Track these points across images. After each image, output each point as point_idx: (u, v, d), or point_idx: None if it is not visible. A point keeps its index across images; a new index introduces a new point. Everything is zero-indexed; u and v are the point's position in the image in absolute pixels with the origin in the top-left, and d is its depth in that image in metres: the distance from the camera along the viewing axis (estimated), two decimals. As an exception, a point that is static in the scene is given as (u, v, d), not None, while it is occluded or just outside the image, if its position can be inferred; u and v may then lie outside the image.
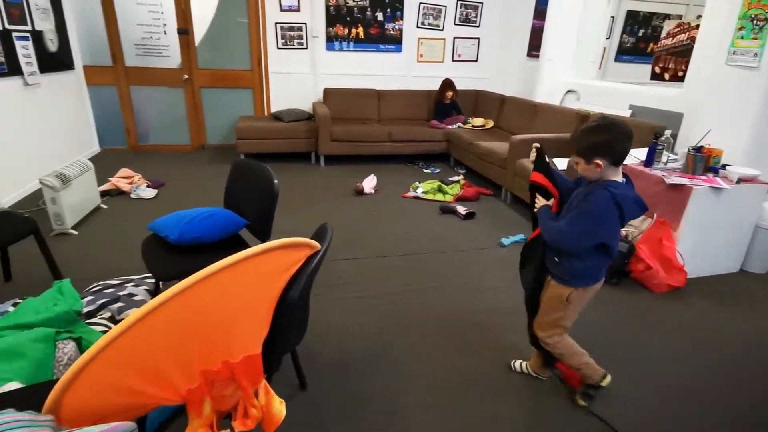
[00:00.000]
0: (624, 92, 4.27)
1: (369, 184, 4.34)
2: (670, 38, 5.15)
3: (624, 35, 6.61)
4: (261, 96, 5.68)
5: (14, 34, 3.66)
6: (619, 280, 2.77)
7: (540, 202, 1.69)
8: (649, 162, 2.91)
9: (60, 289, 1.98)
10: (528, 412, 1.80)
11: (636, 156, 3.02)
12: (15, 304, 2.06)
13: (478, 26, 6.01)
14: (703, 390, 1.94)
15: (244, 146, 5.01)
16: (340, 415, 1.70)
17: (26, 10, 3.86)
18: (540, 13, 5.27)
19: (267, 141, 5.06)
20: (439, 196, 4.17)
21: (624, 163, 1.53)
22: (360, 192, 4.24)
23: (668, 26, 5.21)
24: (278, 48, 5.51)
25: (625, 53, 6.68)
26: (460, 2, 5.80)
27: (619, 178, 1.50)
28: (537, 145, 1.71)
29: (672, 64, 5.15)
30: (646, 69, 5.56)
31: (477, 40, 6.07)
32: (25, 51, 3.80)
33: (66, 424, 0.83)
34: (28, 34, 3.87)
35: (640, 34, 6.67)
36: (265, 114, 5.71)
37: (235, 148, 5.12)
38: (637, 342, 2.24)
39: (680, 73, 4.92)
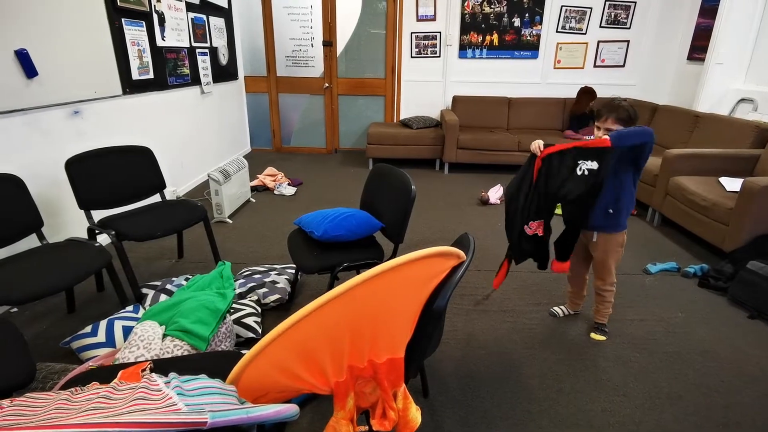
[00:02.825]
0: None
1: (495, 194, 4.23)
2: None
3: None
4: (392, 103, 5.89)
5: (197, 50, 4.31)
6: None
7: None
8: None
9: (221, 272, 2.27)
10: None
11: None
12: (187, 279, 2.41)
13: (628, 28, 5.51)
14: None
15: (373, 151, 5.23)
16: (460, 430, 1.68)
17: (207, 30, 4.53)
18: (707, 11, 4.65)
19: (395, 147, 5.21)
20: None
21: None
22: (485, 202, 4.15)
23: None
24: (412, 57, 5.66)
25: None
26: (608, 2, 5.38)
27: None
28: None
29: None
30: None
31: (626, 43, 5.57)
32: (203, 64, 4.45)
33: (239, 394, 0.95)
34: (206, 50, 4.53)
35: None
36: (395, 120, 5.91)
37: (364, 153, 5.37)
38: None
39: None
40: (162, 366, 1.20)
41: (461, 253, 1.12)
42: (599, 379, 1.96)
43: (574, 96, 5.37)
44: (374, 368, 1.05)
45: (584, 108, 5.16)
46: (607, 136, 1.80)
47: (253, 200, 4.11)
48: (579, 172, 1.88)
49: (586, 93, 5.13)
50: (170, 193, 3.85)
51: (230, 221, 3.58)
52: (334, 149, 6.14)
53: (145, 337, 1.53)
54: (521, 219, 2.12)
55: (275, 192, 4.36)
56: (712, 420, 1.74)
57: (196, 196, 4.13)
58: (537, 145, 2.01)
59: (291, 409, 0.79)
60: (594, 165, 1.84)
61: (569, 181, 1.90)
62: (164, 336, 1.58)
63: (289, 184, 4.50)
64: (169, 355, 1.52)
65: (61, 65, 2.60)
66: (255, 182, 4.45)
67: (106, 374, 1.10)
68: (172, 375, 0.88)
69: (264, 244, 3.19)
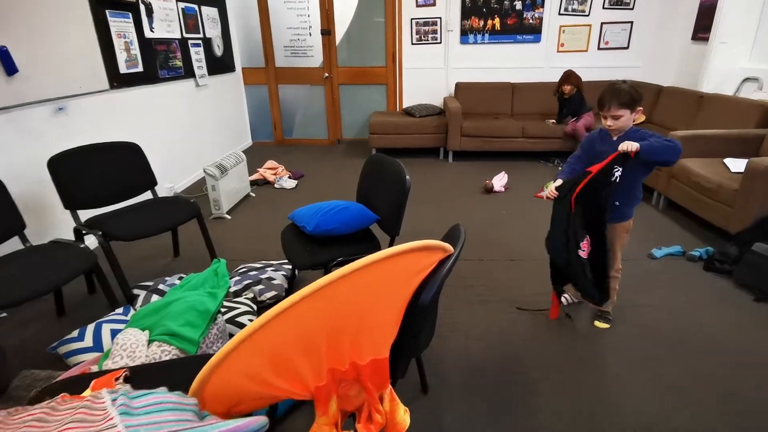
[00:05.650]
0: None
1: (499, 181, 4.15)
2: None
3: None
4: (394, 91, 5.79)
5: (190, 42, 4.23)
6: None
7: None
8: None
9: (216, 270, 2.22)
10: None
11: None
12: (180, 278, 2.37)
13: (631, 8, 5.34)
14: None
15: (375, 141, 5.15)
16: (461, 425, 1.63)
17: (199, 20, 4.44)
18: (711, -12, 4.49)
19: (398, 136, 5.13)
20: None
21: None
22: (489, 190, 4.07)
23: None
24: (412, 44, 5.55)
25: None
26: (612, -18, 5.22)
27: None
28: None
29: None
30: None
31: (629, 24, 5.41)
32: (197, 56, 4.37)
33: (207, 405, 0.89)
34: (200, 41, 4.45)
35: None
36: (397, 109, 5.81)
37: (368, 143, 5.29)
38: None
39: None
40: (143, 372, 1.15)
41: (447, 246, 1.05)
42: (602, 369, 1.90)
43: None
44: (357, 370, 0.99)
45: (565, 92, 4.86)
46: (637, 144, 1.72)
47: (253, 195, 4.06)
48: (613, 179, 1.83)
49: (564, 78, 4.83)
50: (167, 189, 3.81)
51: (228, 217, 3.53)
52: (336, 140, 6.07)
53: (128, 346, 1.47)
54: (575, 252, 1.95)
55: (276, 186, 4.30)
56: (716, 408, 1.69)
57: (195, 192, 4.08)
58: (550, 191, 2.00)
59: (255, 423, 0.74)
60: (620, 170, 1.80)
61: (612, 189, 1.85)
62: (151, 341, 1.53)
63: (290, 177, 4.44)
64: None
65: (43, 61, 2.54)
66: (255, 176, 4.39)
67: (79, 384, 1.06)
68: (122, 390, 0.82)
69: (263, 239, 3.14)
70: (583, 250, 1.93)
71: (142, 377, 1.09)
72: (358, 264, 0.89)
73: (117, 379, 1.03)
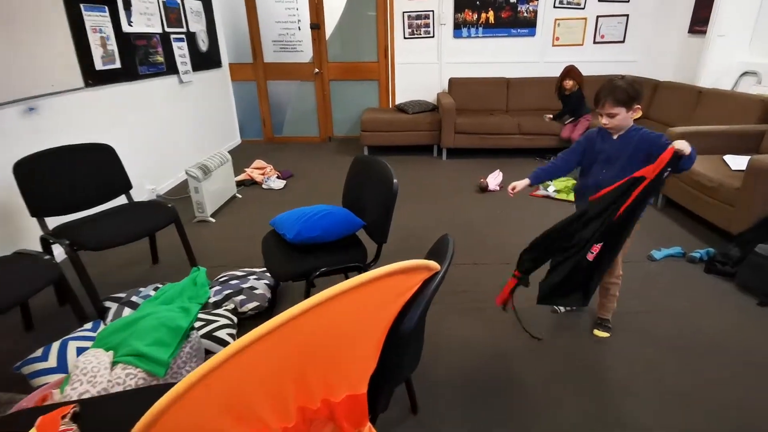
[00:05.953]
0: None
1: (494, 180, 4.05)
2: None
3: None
4: (386, 87, 5.67)
5: (172, 36, 4.08)
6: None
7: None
8: None
9: (195, 279, 2.10)
10: None
11: None
12: (156, 289, 2.24)
13: (627, 1, 5.24)
14: None
15: (367, 138, 5.03)
16: (452, 447, 1.53)
17: (182, 14, 4.29)
18: (710, -20, 4.38)
19: (390, 133, 5.00)
20: (572, 197, 3.70)
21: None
22: (484, 188, 3.97)
23: None
24: (405, 38, 5.43)
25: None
26: (607, -26, 5.11)
27: None
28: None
29: None
30: None
31: (625, 17, 5.31)
32: (180, 51, 4.22)
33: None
34: (183, 36, 4.30)
35: None
36: (390, 106, 5.69)
37: (359, 141, 5.17)
38: None
39: None
40: (94, 406, 1.04)
41: (432, 264, 0.94)
42: (603, 378, 1.82)
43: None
44: (330, 408, 0.88)
45: (566, 88, 4.71)
46: (690, 147, 1.58)
47: (239, 196, 3.93)
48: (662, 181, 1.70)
49: (564, 74, 4.70)
50: (149, 192, 3.68)
51: (213, 220, 3.41)
52: (327, 137, 5.94)
53: (89, 370, 1.34)
54: (582, 255, 1.82)
55: (263, 186, 4.18)
56: (717, 412, 1.64)
57: (180, 193, 3.95)
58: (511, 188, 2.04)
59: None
60: (668, 171, 1.66)
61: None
62: (115, 363, 1.41)
63: (278, 177, 4.31)
64: (120, 387, 1.33)
65: (11, 59, 2.40)
66: (242, 176, 4.26)
67: (29, 419, 0.94)
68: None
69: (248, 244, 3.01)
70: (592, 253, 1.82)
71: (92, 412, 0.98)
72: (328, 294, 0.78)
73: (64, 416, 0.92)
